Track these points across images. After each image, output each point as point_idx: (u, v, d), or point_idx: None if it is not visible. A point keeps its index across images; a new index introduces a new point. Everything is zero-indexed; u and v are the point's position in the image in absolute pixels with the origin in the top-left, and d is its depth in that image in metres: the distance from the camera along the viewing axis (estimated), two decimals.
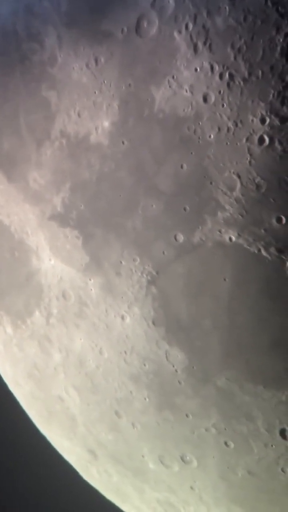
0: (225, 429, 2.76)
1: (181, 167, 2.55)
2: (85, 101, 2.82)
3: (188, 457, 2.99)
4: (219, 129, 2.41)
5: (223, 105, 2.38)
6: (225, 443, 2.81)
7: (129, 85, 2.65)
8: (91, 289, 3.02)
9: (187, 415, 2.86)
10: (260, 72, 2.27)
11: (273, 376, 2.56)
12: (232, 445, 2.79)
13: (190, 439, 2.91)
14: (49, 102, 2.97)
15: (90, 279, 3.02)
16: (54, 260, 3.16)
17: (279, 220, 2.38)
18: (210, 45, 2.37)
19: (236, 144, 2.39)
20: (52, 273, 3.19)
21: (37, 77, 3.00)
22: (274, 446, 2.68)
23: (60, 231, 3.07)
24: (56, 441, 4.02)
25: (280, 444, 2.66)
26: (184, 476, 3.08)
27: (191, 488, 3.12)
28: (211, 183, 2.48)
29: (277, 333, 2.49)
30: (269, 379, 2.57)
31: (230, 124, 2.38)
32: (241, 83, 2.32)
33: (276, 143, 2.31)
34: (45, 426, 4.01)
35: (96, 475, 3.76)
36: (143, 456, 3.21)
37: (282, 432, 2.64)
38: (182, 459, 3.02)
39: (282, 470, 2.72)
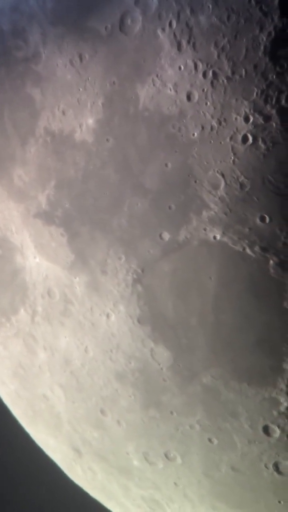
0: (209, 426, 2.77)
1: (166, 165, 2.56)
2: (69, 99, 2.81)
3: (172, 454, 3.00)
4: (202, 127, 2.42)
5: (206, 104, 2.39)
6: (209, 440, 2.82)
7: (114, 82, 2.65)
8: (77, 287, 3.02)
9: (172, 413, 2.87)
10: (243, 71, 2.28)
11: (258, 373, 2.57)
12: (216, 441, 2.80)
13: (175, 436, 2.91)
14: (34, 99, 2.96)
15: (75, 277, 3.01)
16: (39, 258, 3.15)
17: (262, 219, 2.39)
18: (193, 43, 2.37)
19: (220, 142, 2.39)
20: (37, 271, 3.19)
21: (22, 74, 2.99)
22: (257, 443, 2.69)
23: (45, 228, 3.06)
24: (41, 439, 4.01)
25: (263, 440, 2.68)
26: (169, 473, 3.09)
27: (175, 484, 3.13)
28: (195, 181, 2.49)
29: (262, 331, 2.50)
30: (254, 376, 2.59)
31: (214, 123, 2.39)
32: (225, 81, 2.33)
33: (260, 142, 2.32)
34: (30, 425, 3.99)
35: (81, 473, 3.75)
36: (128, 454, 3.21)
37: (265, 429, 2.65)
38: (167, 456, 3.03)
39: (265, 466, 2.74)
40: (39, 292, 3.21)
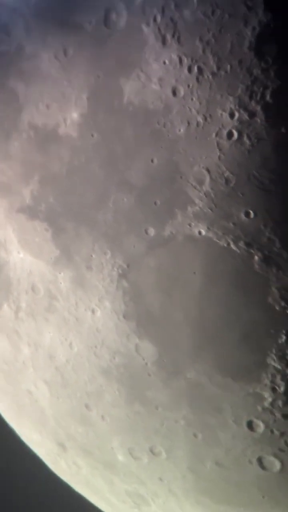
0: (194, 421, 2.78)
1: (152, 161, 2.55)
2: (53, 93, 2.79)
3: (157, 449, 3.01)
4: (188, 123, 2.41)
5: (192, 99, 2.38)
6: (194, 435, 2.83)
7: (98, 76, 2.63)
8: (61, 283, 3.00)
9: (156, 408, 2.88)
10: (228, 66, 2.28)
11: (242, 369, 2.59)
12: (200, 436, 2.81)
13: (160, 431, 2.92)
14: (17, 93, 2.93)
15: (60, 273, 2.99)
16: (23, 253, 3.13)
17: (247, 214, 2.40)
18: (178, 37, 2.36)
19: (206, 138, 2.39)
20: (21, 267, 3.16)
21: (4, 68, 2.96)
22: (241, 438, 2.71)
23: (29, 223, 3.04)
24: (26, 435, 4.00)
25: (247, 435, 2.69)
26: (153, 468, 3.10)
27: (160, 479, 3.14)
28: (181, 177, 2.49)
29: (247, 327, 2.52)
30: (238, 372, 2.60)
31: (200, 118, 2.38)
32: (210, 76, 2.32)
33: (245, 138, 2.32)
34: (14, 420, 3.98)
35: (66, 467, 3.75)
36: (112, 449, 3.21)
37: (249, 424, 2.67)
38: (152, 451, 3.04)
39: (249, 461, 2.76)
40: (23, 288, 3.19)
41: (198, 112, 2.38)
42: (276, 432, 2.64)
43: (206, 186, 2.44)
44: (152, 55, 2.44)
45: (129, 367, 2.89)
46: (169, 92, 2.44)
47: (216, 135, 2.36)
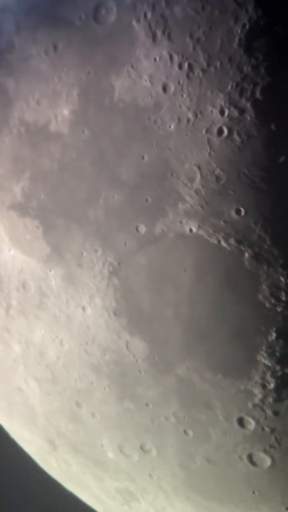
0: (185, 417, 2.79)
1: (142, 157, 2.55)
2: (44, 89, 2.78)
3: (147, 446, 3.01)
4: (179, 119, 2.42)
5: (182, 96, 2.38)
6: (185, 432, 2.83)
7: (89, 73, 2.63)
8: (52, 280, 2.99)
9: (147, 404, 2.88)
10: (218, 63, 2.28)
11: (232, 365, 2.59)
12: (191, 433, 2.81)
13: (150, 428, 2.92)
14: (7, 89, 2.92)
15: (51, 270, 2.99)
16: (14, 251, 3.12)
17: (238, 211, 2.40)
18: (169, 34, 2.37)
19: (196, 135, 2.39)
20: (12, 264, 3.15)
21: None
22: (232, 434, 2.71)
23: (20, 221, 3.03)
24: (16, 432, 3.99)
25: (238, 432, 2.70)
26: (144, 465, 3.10)
27: (150, 476, 3.14)
28: (172, 174, 2.49)
29: (237, 323, 2.52)
30: (229, 368, 2.60)
31: (190, 115, 2.38)
32: (200, 73, 2.32)
33: (235, 135, 2.32)
34: (5, 418, 3.97)
35: (56, 465, 3.74)
36: (102, 446, 3.21)
37: (239, 421, 2.68)
38: (142, 448, 3.04)
39: (240, 457, 2.76)
40: (14, 285, 3.17)
41: (188, 109, 2.38)
42: (267, 429, 2.65)
43: (197, 184, 2.44)
44: (143, 51, 2.44)
45: (120, 364, 2.89)
46: (159, 89, 2.44)
47: (207, 131, 2.37)
